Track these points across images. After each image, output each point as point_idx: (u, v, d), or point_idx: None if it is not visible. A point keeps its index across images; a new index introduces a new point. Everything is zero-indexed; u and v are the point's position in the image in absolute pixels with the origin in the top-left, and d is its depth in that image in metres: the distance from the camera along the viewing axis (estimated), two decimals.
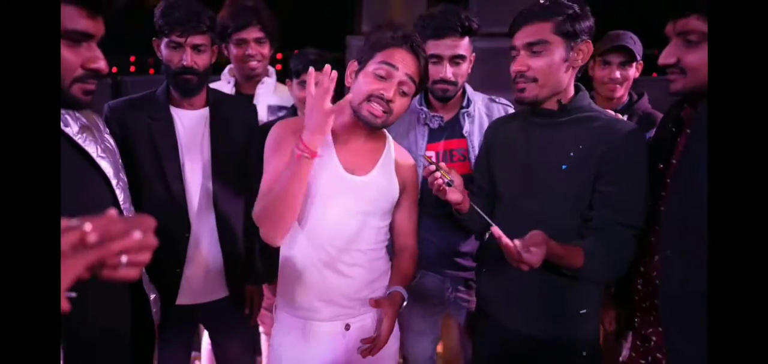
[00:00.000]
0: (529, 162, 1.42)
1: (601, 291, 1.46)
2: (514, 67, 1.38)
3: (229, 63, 2.22)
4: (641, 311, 1.36)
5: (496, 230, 1.22)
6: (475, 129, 1.75)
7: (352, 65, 1.41)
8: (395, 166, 1.47)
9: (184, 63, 1.60)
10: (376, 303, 1.41)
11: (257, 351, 2.25)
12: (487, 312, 1.54)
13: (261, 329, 2.27)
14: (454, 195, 1.42)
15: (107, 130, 1.23)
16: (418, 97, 1.78)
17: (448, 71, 1.66)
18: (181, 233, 1.66)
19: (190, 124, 1.69)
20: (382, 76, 1.33)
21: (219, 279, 1.74)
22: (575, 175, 1.35)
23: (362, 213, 1.40)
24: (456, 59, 1.66)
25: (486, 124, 1.73)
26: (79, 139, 1.04)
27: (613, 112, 1.50)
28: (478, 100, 1.80)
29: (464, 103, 1.76)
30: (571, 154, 1.35)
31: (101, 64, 0.95)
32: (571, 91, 1.41)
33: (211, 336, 1.96)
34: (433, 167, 1.41)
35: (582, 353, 1.43)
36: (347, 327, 1.43)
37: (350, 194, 1.39)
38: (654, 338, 1.32)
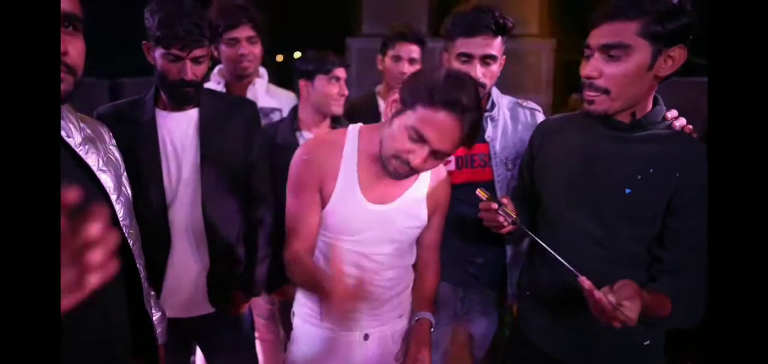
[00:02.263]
0: (587, 177, 1.25)
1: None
2: (585, 71, 1.19)
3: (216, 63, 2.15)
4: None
5: (585, 281, 1.04)
6: (498, 134, 1.67)
7: (395, 98, 1.25)
8: (428, 190, 1.39)
9: (185, 77, 1.50)
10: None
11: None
12: (529, 338, 1.40)
13: (255, 333, 2.26)
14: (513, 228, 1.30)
15: (113, 141, 1.17)
16: None
17: (477, 71, 1.54)
18: (160, 243, 1.58)
19: (177, 126, 1.59)
20: (415, 139, 1.18)
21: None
22: (641, 202, 1.19)
23: (389, 241, 1.36)
24: (487, 59, 1.56)
25: (510, 129, 1.67)
26: (80, 151, 0.98)
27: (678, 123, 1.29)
28: (503, 104, 1.72)
29: (488, 107, 1.68)
30: (638, 177, 1.18)
31: (70, 55, 0.81)
32: (650, 104, 1.22)
33: (205, 355, 1.84)
34: (495, 205, 1.26)
35: None
36: (366, 337, 1.42)
37: (377, 225, 1.34)
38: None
